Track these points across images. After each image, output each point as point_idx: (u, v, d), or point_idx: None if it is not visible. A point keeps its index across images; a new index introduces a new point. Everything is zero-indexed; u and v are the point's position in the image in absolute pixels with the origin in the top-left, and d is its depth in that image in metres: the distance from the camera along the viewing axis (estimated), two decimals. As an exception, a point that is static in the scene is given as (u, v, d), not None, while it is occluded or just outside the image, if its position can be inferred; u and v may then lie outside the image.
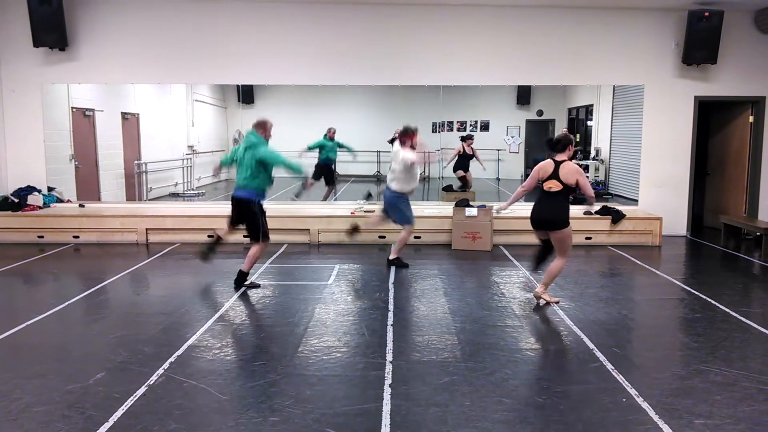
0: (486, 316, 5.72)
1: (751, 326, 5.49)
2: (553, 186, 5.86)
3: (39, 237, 9.26)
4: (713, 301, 6.24)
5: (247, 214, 6.56)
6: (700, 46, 9.41)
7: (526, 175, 20.01)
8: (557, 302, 6.13)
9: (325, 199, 12.27)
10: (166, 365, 4.48)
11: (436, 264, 7.96)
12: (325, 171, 12.47)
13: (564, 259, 6.01)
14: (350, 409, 3.81)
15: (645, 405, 3.86)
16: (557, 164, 5.87)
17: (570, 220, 5.89)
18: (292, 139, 19.57)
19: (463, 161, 12.67)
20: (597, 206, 9.69)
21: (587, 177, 16.76)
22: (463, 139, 12.87)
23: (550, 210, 5.89)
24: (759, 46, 9.74)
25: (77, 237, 9.29)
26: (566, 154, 5.92)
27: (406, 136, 7.65)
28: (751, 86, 9.83)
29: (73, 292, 6.57)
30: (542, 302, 6.13)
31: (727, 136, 10.59)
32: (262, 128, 6.65)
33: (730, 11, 9.39)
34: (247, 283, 6.70)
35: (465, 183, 12.69)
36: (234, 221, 6.80)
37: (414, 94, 18.69)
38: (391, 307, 5.99)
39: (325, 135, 12.47)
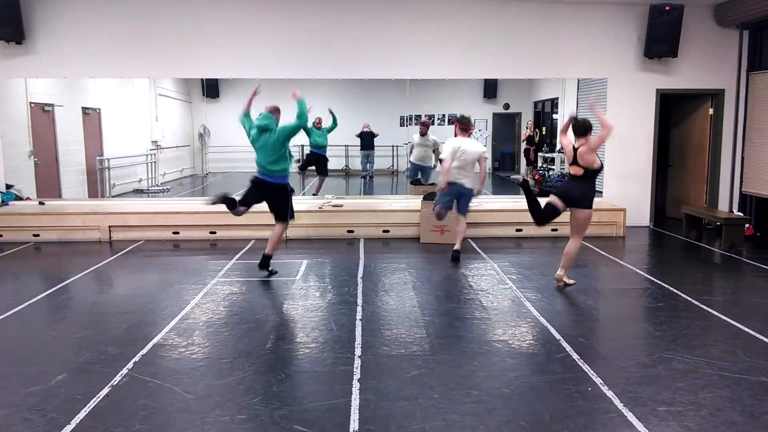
0: (454, 309, 5.74)
1: (712, 314, 5.62)
2: (576, 171, 6.20)
3: (-3, 236, 9.02)
4: (676, 290, 6.37)
5: (280, 196, 6.77)
6: (661, 39, 9.57)
7: (494, 168, 20.13)
8: (573, 283, 6.48)
9: (317, 192, 12.15)
10: (130, 365, 4.40)
11: (404, 258, 7.97)
12: (314, 159, 12.46)
13: (578, 240, 6.34)
14: (319, 405, 3.79)
15: (610, 393, 3.92)
16: (575, 150, 6.17)
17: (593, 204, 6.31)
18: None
19: None
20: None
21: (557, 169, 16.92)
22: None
23: (578, 190, 6.23)
24: (718, 39, 9.94)
25: (37, 235, 9.06)
26: (585, 139, 6.16)
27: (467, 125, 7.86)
28: (711, 79, 10.04)
29: (33, 292, 6.41)
30: (562, 284, 6.45)
31: (688, 128, 10.80)
32: (278, 112, 6.82)
33: (690, 5, 9.57)
34: (270, 268, 6.91)
35: None
36: (250, 202, 6.81)
37: (381, 87, 18.64)
38: (359, 301, 5.98)
39: (314, 123, 12.31)
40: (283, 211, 6.87)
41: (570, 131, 6.41)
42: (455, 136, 7.88)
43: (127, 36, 9.59)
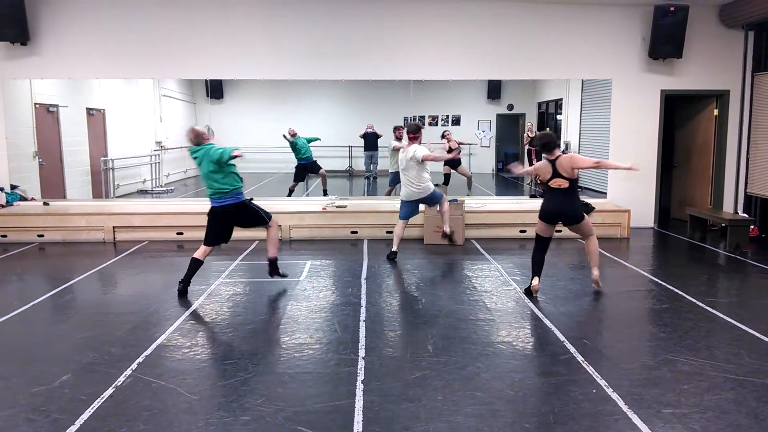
0: (458, 310, 5.73)
1: (717, 316, 5.59)
2: (561, 183, 5.90)
3: (2, 236, 9.03)
4: (680, 292, 6.35)
5: (243, 213, 6.33)
6: (666, 40, 9.54)
7: (498, 170, 20.09)
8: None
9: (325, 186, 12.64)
10: (134, 366, 4.40)
11: (408, 259, 7.96)
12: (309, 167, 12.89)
13: (593, 236, 6.24)
14: (322, 407, 3.78)
15: (614, 395, 3.91)
16: (552, 163, 5.91)
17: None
18: (262, 134, 19.45)
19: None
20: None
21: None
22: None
23: (565, 205, 6.00)
24: (723, 40, 9.90)
25: (42, 236, 9.08)
26: (557, 151, 5.96)
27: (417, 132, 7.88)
28: (716, 80, 10.00)
29: (37, 292, 6.42)
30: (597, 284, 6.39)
31: (693, 129, 10.77)
32: (200, 137, 6.19)
33: (695, 6, 9.54)
34: (280, 271, 6.69)
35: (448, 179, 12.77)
36: (221, 238, 6.35)
37: (385, 88, 18.61)
38: (363, 302, 5.97)
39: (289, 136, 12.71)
40: (257, 219, 6.48)
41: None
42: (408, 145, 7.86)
43: (132, 37, 9.61)
